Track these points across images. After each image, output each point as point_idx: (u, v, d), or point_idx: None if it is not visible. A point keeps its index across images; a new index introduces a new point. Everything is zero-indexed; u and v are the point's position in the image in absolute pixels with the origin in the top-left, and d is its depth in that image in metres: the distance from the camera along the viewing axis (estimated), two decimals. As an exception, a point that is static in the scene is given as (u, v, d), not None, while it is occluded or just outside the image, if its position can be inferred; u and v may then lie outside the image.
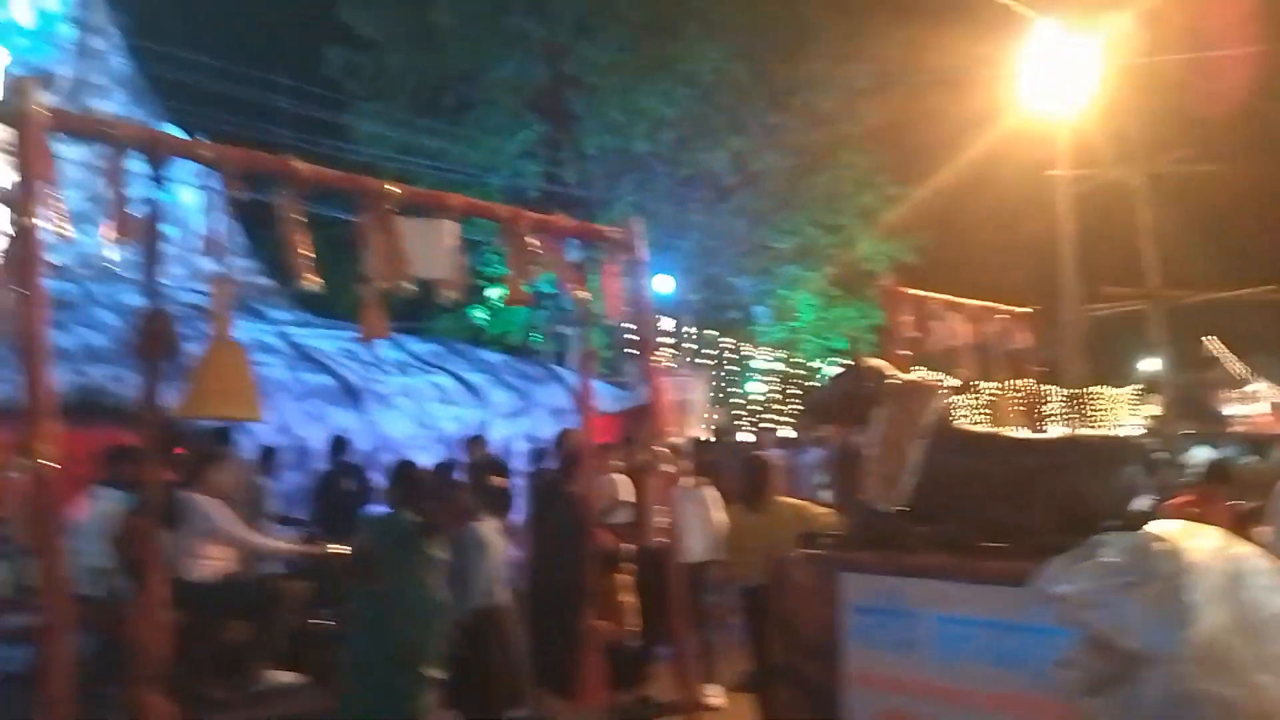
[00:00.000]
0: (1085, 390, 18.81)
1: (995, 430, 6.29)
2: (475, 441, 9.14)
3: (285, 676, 5.64)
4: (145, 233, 3.27)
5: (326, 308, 15.50)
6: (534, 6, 20.28)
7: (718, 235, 22.02)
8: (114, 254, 17.02)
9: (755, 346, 22.17)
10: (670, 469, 5.16)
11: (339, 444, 9.21)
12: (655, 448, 5.09)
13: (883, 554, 4.65)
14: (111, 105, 19.62)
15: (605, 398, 16.36)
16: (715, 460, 7.73)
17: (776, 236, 22.42)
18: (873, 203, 22.41)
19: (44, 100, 2.99)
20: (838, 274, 22.79)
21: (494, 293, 19.82)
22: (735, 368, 21.32)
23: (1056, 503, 4.46)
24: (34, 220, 2.90)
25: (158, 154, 3.30)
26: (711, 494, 6.78)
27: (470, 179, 20.70)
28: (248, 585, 5.78)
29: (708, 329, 21.14)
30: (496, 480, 6.39)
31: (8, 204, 2.97)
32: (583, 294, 4.88)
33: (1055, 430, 15.84)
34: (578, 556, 5.90)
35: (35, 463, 2.80)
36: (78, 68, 19.14)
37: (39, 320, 2.86)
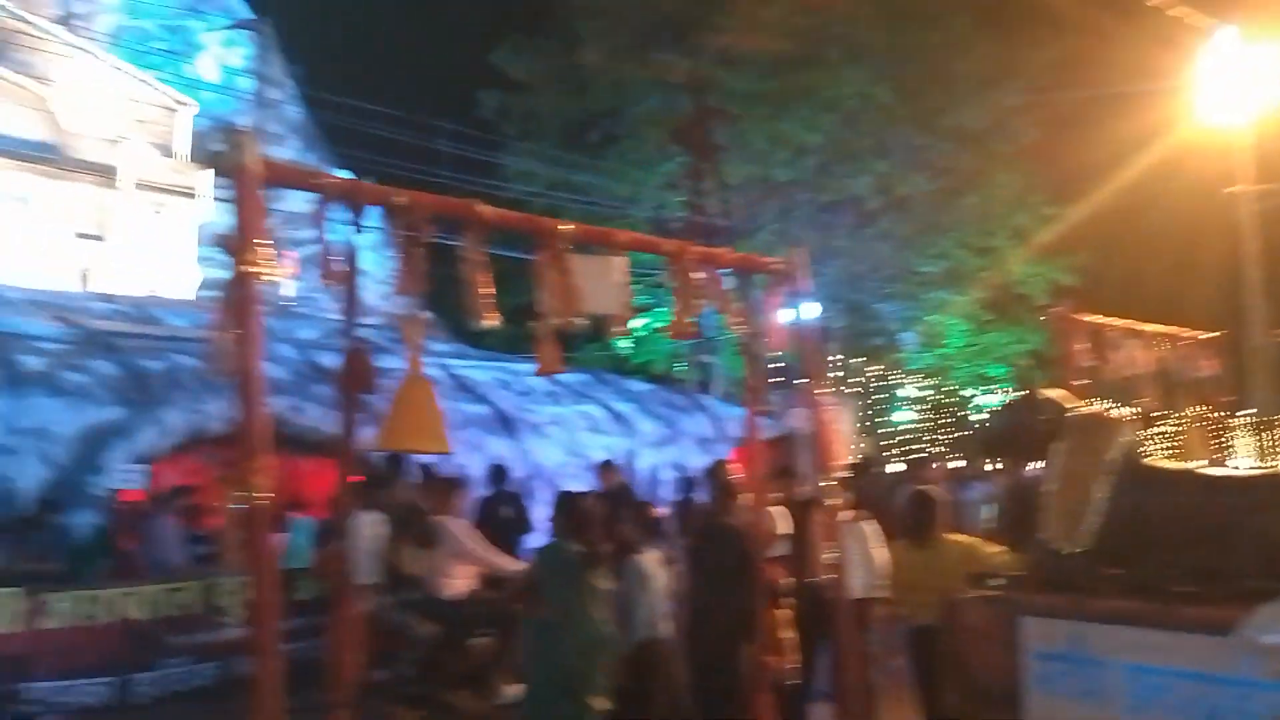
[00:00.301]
0: (1274, 420, 17.41)
1: (1190, 466, 5.87)
2: (608, 468, 9.18)
3: (521, 690, 5.91)
4: (345, 275, 3.47)
5: (478, 340, 16.06)
6: (678, 40, 20.59)
7: (862, 261, 21.64)
8: (289, 290, 18.10)
9: (903, 374, 21.58)
10: (836, 502, 5.05)
11: (498, 472, 9.47)
12: (821, 481, 5.00)
13: (1066, 597, 4.40)
14: (286, 151, 21.10)
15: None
16: (870, 492, 7.53)
17: (923, 261, 21.84)
18: (1026, 223, 21.54)
19: (258, 153, 3.23)
20: (989, 298, 21.98)
21: (637, 323, 20.07)
22: (882, 396, 20.80)
23: (1263, 545, 4.13)
24: (251, 266, 3.13)
25: (357, 202, 3.51)
26: (872, 528, 6.59)
27: (614, 212, 21.14)
28: (491, 603, 6.10)
29: (852, 356, 20.74)
30: (655, 511, 6.43)
31: (226, 249, 3.22)
32: (745, 326, 4.88)
33: (1249, 464, 14.66)
34: (740, 591, 5.85)
35: (251, 494, 3.01)
36: (256, 117, 20.66)
37: (255, 359, 3.08)
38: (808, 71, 19.66)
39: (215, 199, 18.43)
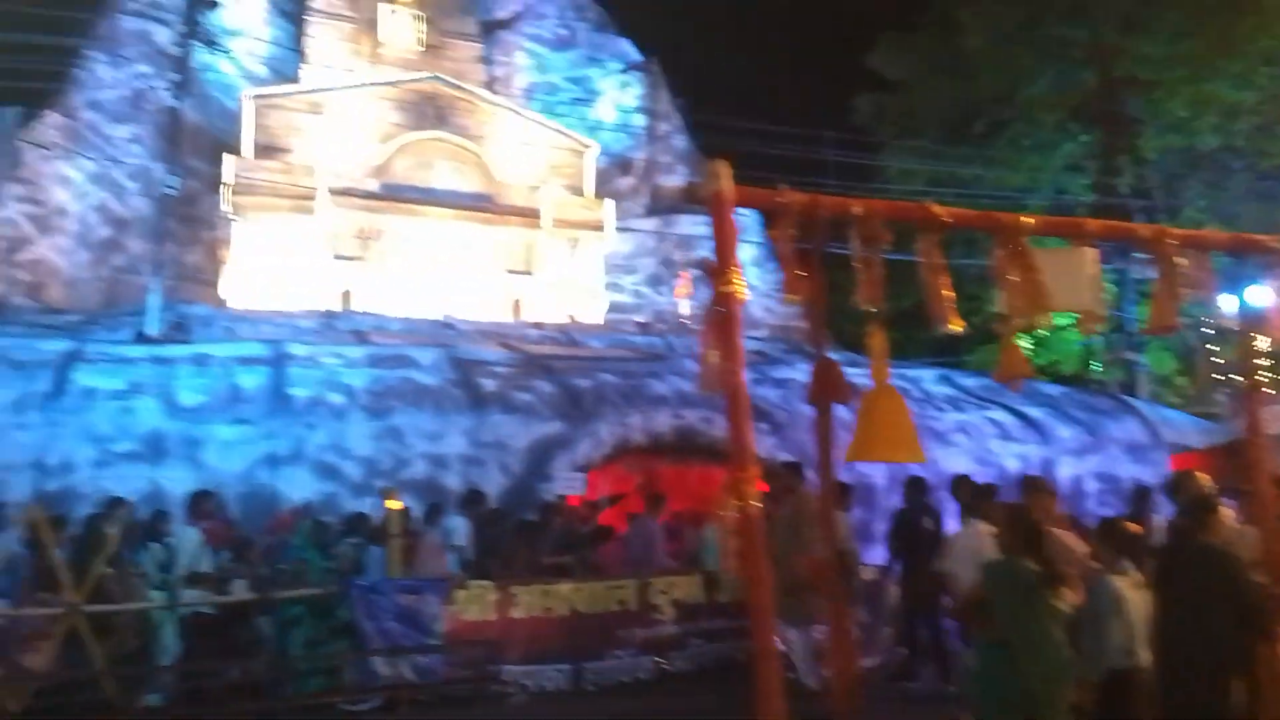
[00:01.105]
0: None
1: None
2: (963, 482, 8.20)
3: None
4: (809, 288, 3.53)
5: (859, 345, 15.77)
6: (1073, 12, 18.87)
7: (1322, 233, 18.27)
8: (684, 308, 19.00)
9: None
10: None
11: (917, 484, 9.12)
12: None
13: None
14: (676, 179, 22.43)
15: (1188, 431, 14.35)
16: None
17: None
18: None
19: (726, 180, 3.38)
20: None
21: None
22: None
23: None
24: (730, 287, 3.28)
25: (815, 214, 3.56)
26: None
27: (1008, 202, 19.85)
28: None
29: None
30: (1131, 528, 5.81)
31: (705, 273, 3.41)
32: (1235, 315, 4.25)
33: None
34: (1227, 620, 5.11)
35: (743, 502, 3.14)
36: (649, 150, 22.19)
37: (739, 375, 3.22)
38: (1238, 21, 17.04)
39: (618, 229, 20.05)
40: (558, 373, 12.03)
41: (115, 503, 8.18)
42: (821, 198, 3.62)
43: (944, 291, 3.70)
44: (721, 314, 3.32)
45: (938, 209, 3.75)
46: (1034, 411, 13.62)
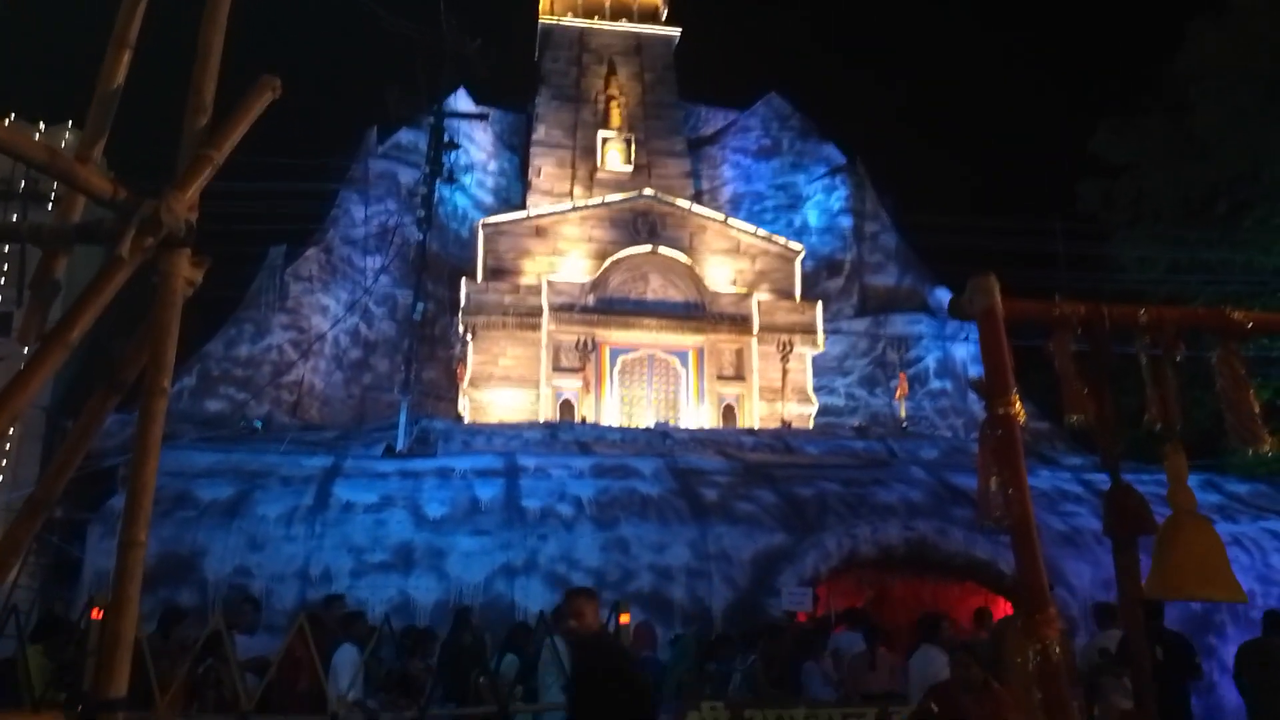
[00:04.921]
0: None
1: None
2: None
3: None
4: (1102, 409, 3.27)
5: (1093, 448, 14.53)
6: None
7: None
8: (901, 412, 18.30)
9: None
10: None
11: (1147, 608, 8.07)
12: None
13: None
14: (886, 277, 22.08)
15: None
16: None
17: None
18: None
19: (997, 294, 3.23)
20: None
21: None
22: None
23: None
24: (1009, 408, 3.10)
25: (1096, 325, 3.33)
26: None
27: (1258, 289, 18.22)
28: None
29: None
30: None
31: (979, 393, 3.24)
32: None
33: None
34: None
35: (1042, 645, 2.88)
36: (857, 250, 22.02)
37: (1026, 505, 3.00)
38: None
39: (826, 333, 19.83)
40: (778, 481, 11.83)
41: (464, 611, 8.52)
42: (1104, 306, 3.39)
43: (1250, 407, 3.33)
44: (1001, 437, 3.12)
45: (1237, 314, 3.42)
46: (1318, 521, 12.01)
